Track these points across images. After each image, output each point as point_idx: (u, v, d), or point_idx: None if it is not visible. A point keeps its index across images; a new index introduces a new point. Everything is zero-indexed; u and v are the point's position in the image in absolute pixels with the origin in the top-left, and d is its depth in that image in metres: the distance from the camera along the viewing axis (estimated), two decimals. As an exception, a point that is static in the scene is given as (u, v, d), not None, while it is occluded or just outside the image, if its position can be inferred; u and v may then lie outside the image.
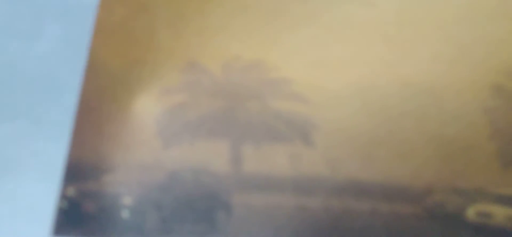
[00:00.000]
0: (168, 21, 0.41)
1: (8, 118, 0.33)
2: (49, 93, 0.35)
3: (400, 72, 0.39)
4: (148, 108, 0.35)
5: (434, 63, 0.40)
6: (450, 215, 0.31)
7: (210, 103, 0.35)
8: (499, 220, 0.31)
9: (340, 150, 0.33)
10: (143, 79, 0.36)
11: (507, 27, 0.43)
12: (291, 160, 0.33)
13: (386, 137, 0.34)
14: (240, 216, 0.30)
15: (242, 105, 0.36)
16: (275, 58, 0.39)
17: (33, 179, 0.30)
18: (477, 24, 0.43)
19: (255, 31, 0.41)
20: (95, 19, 0.40)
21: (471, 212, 0.31)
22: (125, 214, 0.30)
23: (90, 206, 0.30)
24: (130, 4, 0.41)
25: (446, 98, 0.37)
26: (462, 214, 0.31)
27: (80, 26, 0.39)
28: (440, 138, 0.35)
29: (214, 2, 0.43)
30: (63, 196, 0.30)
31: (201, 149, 0.33)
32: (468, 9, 0.44)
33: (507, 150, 0.35)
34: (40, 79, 0.35)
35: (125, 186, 0.30)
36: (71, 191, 0.30)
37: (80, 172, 0.31)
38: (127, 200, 0.30)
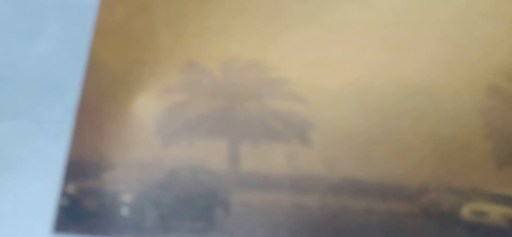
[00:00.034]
0: (167, 21, 0.41)
1: (9, 117, 0.34)
2: (50, 93, 0.35)
3: (397, 73, 0.39)
4: (147, 108, 0.35)
5: (431, 63, 0.40)
6: (445, 213, 0.31)
7: (209, 103, 0.36)
8: (494, 219, 0.32)
9: (337, 149, 0.34)
10: (143, 78, 0.37)
11: (503, 28, 0.43)
12: (288, 158, 0.33)
13: (382, 136, 0.35)
14: (238, 213, 0.30)
15: (241, 105, 0.36)
16: (273, 58, 0.39)
17: (34, 177, 0.31)
18: (474, 25, 0.43)
19: (254, 31, 0.41)
20: (96, 20, 0.40)
21: (466, 211, 0.32)
22: (124, 211, 0.30)
23: (90, 203, 0.30)
24: (130, 4, 0.42)
25: (443, 99, 0.38)
26: (457, 212, 0.32)
27: (80, 26, 0.39)
28: (436, 137, 0.35)
29: (214, 3, 0.43)
30: (64, 194, 0.30)
31: (200, 147, 0.33)
32: (464, 10, 0.45)
33: (503, 150, 0.35)
34: (41, 79, 0.36)
35: (125, 183, 0.31)
36: (72, 189, 0.30)
37: (81, 170, 0.31)
38: (126, 198, 0.30)
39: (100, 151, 0.32)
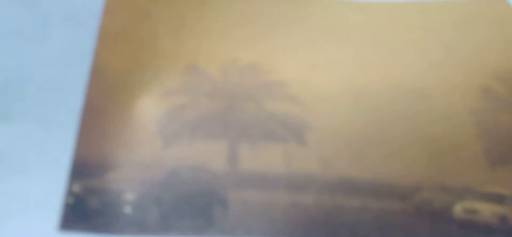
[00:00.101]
0: (169, 27, 0.42)
1: (17, 119, 0.35)
2: (56, 96, 0.36)
3: (390, 75, 0.40)
4: (149, 110, 0.36)
5: (423, 65, 0.41)
6: (437, 211, 0.32)
7: (209, 105, 0.37)
8: (485, 217, 0.32)
9: (332, 149, 0.35)
10: (145, 82, 0.38)
11: (495, 31, 0.44)
12: (285, 158, 0.34)
13: (376, 136, 0.36)
14: (236, 211, 0.31)
15: (239, 107, 0.37)
16: (271, 61, 0.40)
17: (41, 176, 0.32)
18: (466, 28, 0.44)
19: (252, 36, 0.42)
20: (100, 25, 0.41)
21: (458, 209, 0.32)
22: (127, 209, 0.31)
23: (94, 202, 0.31)
24: (133, 10, 0.43)
25: (435, 99, 0.38)
26: (449, 210, 0.32)
27: (85, 32, 0.40)
28: (428, 137, 0.36)
29: (213, 9, 0.44)
30: (69, 192, 0.31)
31: (199, 148, 0.34)
32: (457, 13, 0.45)
33: (494, 149, 0.36)
34: (48, 83, 0.37)
35: (128, 183, 0.32)
36: (77, 188, 0.31)
37: (85, 169, 0.32)
38: (129, 196, 0.31)
39: (104, 151, 0.33)
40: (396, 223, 0.31)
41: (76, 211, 0.30)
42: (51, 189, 0.31)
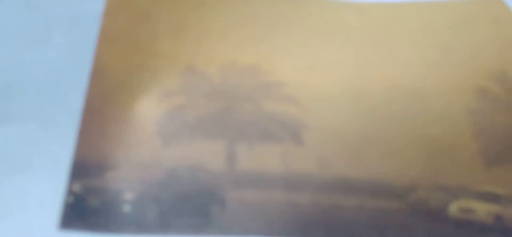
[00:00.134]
0: (168, 29, 0.43)
1: (19, 120, 0.35)
2: (57, 97, 0.37)
3: (387, 75, 0.40)
4: (149, 110, 0.36)
5: (420, 66, 0.41)
6: (433, 210, 0.32)
7: (207, 106, 0.37)
8: (481, 216, 0.32)
9: (328, 149, 0.35)
10: (145, 83, 0.38)
11: (491, 32, 0.44)
12: (282, 158, 0.34)
13: (373, 136, 0.36)
14: (233, 210, 0.31)
15: (237, 107, 0.37)
16: (269, 62, 0.41)
17: (42, 176, 0.32)
18: (463, 29, 0.44)
19: (251, 37, 0.43)
20: (100, 27, 0.42)
21: (454, 208, 0.33)
22: (126, 208, 0.31)
23: (94, 201, 0.31)
24: (133, 12, 0.43)
25: (432, 100, 0.39)
26: (445, 209, 0.32)
27: (86, 34, 0.41)
28: (425, 137, 0.36)
29: (213, 11, 0.44)
30: (70, 192, 0.31)
31: (198, 148, 0.34)
32: (454, 14, 0.46)
33: (490, 149, 0.36)
34: (49, 84, 0.37)
35: (127, 182, 0.32)
36: (77, 187, 0.32)
37: (85, 169, 0.32)
38: (128, 195, 0.32)
39: (104, 151, 0.33)
40: (392, 222, 0.31)
41: (76, 210, 0.31)
42: (51, 188, 0.32)
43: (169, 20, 0.43)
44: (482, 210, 0.33)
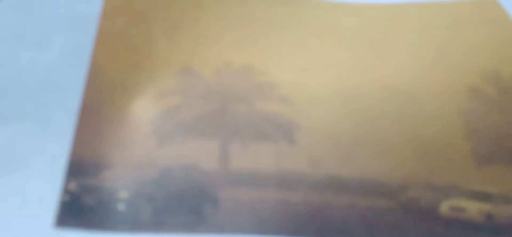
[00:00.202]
0: (164, 30, 0.43)
1: (17, 119, 0.36)
2: (54, 97, 0.37)
3: (381, 76, 0.40)
4: (144, 111, 0.37)
5: (414, 67, 0.41)
6: (424, 209, 0.32)
7: (202, 106, 0.38)
8: (472, 214, 0.32)
9: (321, 149, 0.35)
10: (141, 83, 0.39)
11: (485, 33, 0.44)
12: (275, 158, 0.35)
13: (365, 136, 0.36)
14: (226, 209, 0.32)
15: (232, 108, 0.38)
16: (264, 63, 0.41)
17: (39, 175, 0.33)
18: (457, 30, 0.45)
19: (245, 38, 0.43)
20: (97, 29, 0.42)
21: (445, 207, 0.33)
22: (121, 206, 0.31)
23: (89, 199, 0.32)
24: (129, 14, 0.44)
25: (425, 100, 0.39)
26: (436, 208, 0.33)
27: (83, 35, 0.41)
28: (417, 137, 0.36)
29: (208, 12, 0.45)
30: (66, 190, 0.32)
31: (192, 147, 0.35)
32: (448, 15, 0.46)
33: (482, 149, 0.36)
34: (46, 85, 0.38)
35: (122, 181, 0.32)
36: (73, 186, 0.32)
37: (81, 168, 0.33)
38: (123, 194, 0.32)
39: (100, 151, 0.34)
40: (383, 221, 0.32)
41: (72, 208, 0.31)
42: (48, 187, 0.32)
43: (165, 22, 0.44)
44: (473, 209, 0.33)
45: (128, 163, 0.33)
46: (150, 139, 0.35)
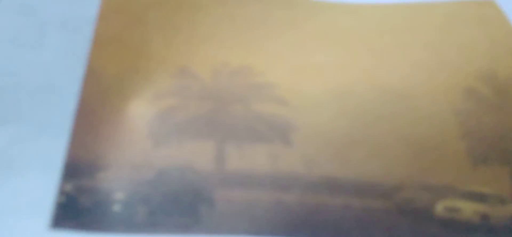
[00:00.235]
0: (162, 32, 0.43)
1: (13, 121, 0.36)
2: (51, 99, 0.37)
3: (375, 76, 0.41)
4: (140, 112, 0.37)
5: (410, 68, 0.41)
6: (419, 210, 0.33)
7: (198, 107, 0.38)
8: (467, 215, 0.33)
9: (316, 150, 0.35)
10: (137, 84, 0.39)
11: (480, 32, 0.44)
12: (270, 158, 0.35)
13: (360, 138, 0.36)
14: (222, 210, 0.32)
15: (227, 108, 0.38)
16: (260, 64, 0.41)
17: (35, 176, 0.33)
18: (452, 29, 0.45)
19: (242, 39, 0.43)
20: (94, 31, 0.42)
21: (440, 207, 0.33)
22: (117, 207, 0.32)
23: (85, 201, 0.32)
24: (126, 16, 0.44)
25: (419, 100, 0.39)
26: (431, 209, 0.33)
27: (79, 37, 0.42)
28: (411, 137, 0.36)
29: (204, 13, 0.45)
30: (62, 192, 0.32)
31: (188, 148, 0.35)
32: (443, 15, 0.46)
33: (478, 149, 0.36)
34: (42, 86, 0.38)
35: (118, 182, 0.33)
36: (69, 187, 0.32)
37: (77, 169, 0.33)
38: (119, 195, 0.32)
39: (96, 152, 0.34)
40: (378, 221, 0.32)
41: (68, 209, 0.31)
42: (44, 188, 0.32)
43: (162, 23, 0.44)
44: (469, 209, 0.33)
45: (124, 164, 0.34)
46: (146, 140, 0.35)
